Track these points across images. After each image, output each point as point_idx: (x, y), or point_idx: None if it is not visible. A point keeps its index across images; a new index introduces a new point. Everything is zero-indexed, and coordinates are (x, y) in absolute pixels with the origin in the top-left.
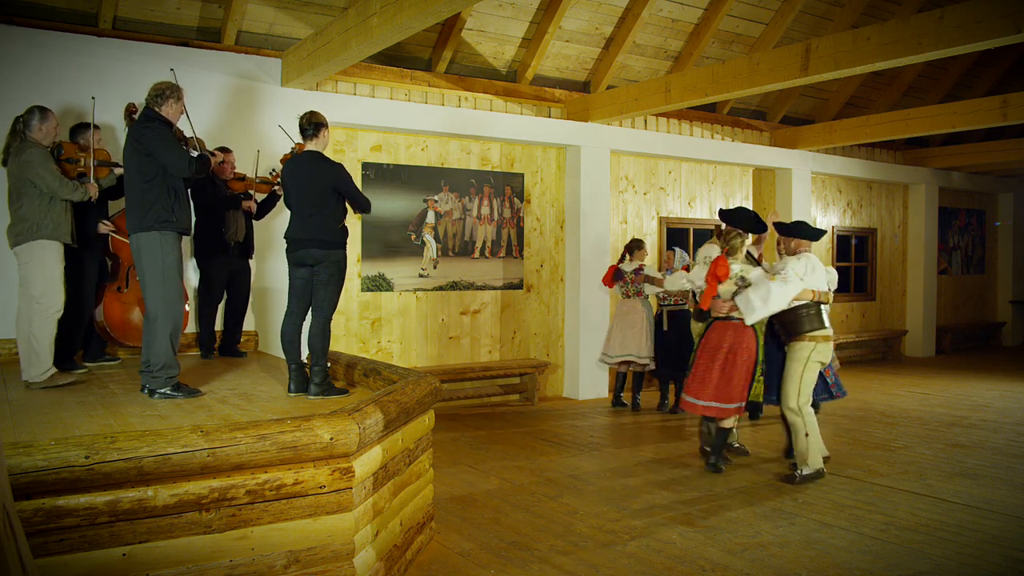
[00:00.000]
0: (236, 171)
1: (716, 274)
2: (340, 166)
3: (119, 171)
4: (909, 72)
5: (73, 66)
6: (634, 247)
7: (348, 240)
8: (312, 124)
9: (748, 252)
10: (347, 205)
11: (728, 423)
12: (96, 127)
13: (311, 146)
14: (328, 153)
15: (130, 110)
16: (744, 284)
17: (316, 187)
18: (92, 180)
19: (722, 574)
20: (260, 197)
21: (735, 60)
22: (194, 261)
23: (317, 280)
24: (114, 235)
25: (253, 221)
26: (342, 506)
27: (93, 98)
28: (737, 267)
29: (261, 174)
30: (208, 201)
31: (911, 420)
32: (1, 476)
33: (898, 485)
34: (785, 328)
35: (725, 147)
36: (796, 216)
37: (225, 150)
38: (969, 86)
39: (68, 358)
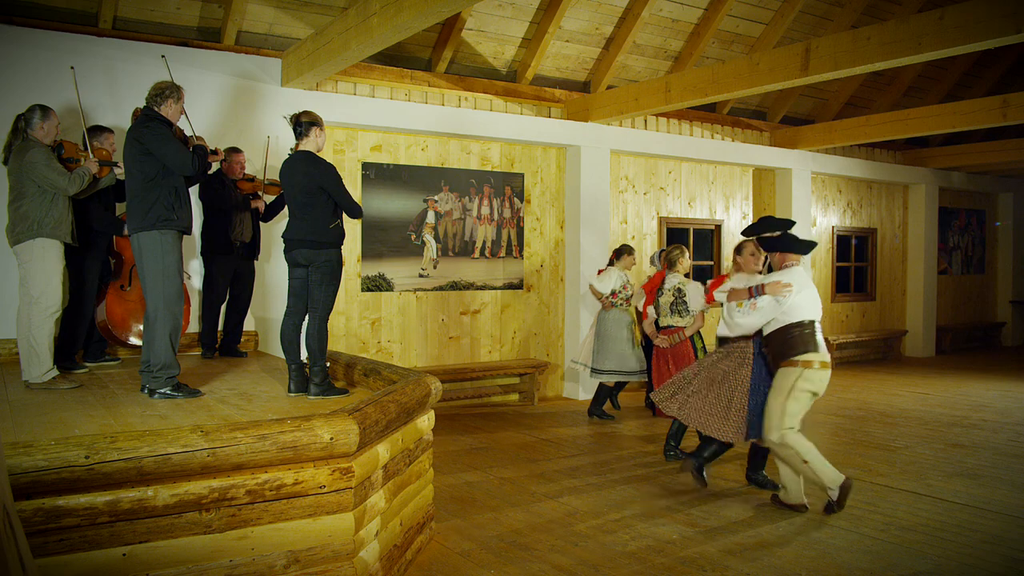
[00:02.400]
0: (246, 172)
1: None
2: (330, 166)
3: (119, 171)
4: (909, 72)
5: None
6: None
7: (345, 240)
8: (302, 123)
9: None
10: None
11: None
12: (110, 131)
13: (303, 145)
14: (328, 153)
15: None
16: (680, 296)
17: (305, 187)
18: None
19: (722, 574)
20: (269, 199)
21: (735, 60)
22: (200, 259)
23: (311, 281)
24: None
25: (261, 223)
26: (342, 506)
27: (72, 68)
28: (675, 280)
29: (271, 174)
30: (215, 200)
31: (911, 420)
32: (1, 476)
33: (898, 485)
34: (772, 351)
35: (725, 147)
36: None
37: (236, 150)
38: (969, 86)
39: (68, 358)
